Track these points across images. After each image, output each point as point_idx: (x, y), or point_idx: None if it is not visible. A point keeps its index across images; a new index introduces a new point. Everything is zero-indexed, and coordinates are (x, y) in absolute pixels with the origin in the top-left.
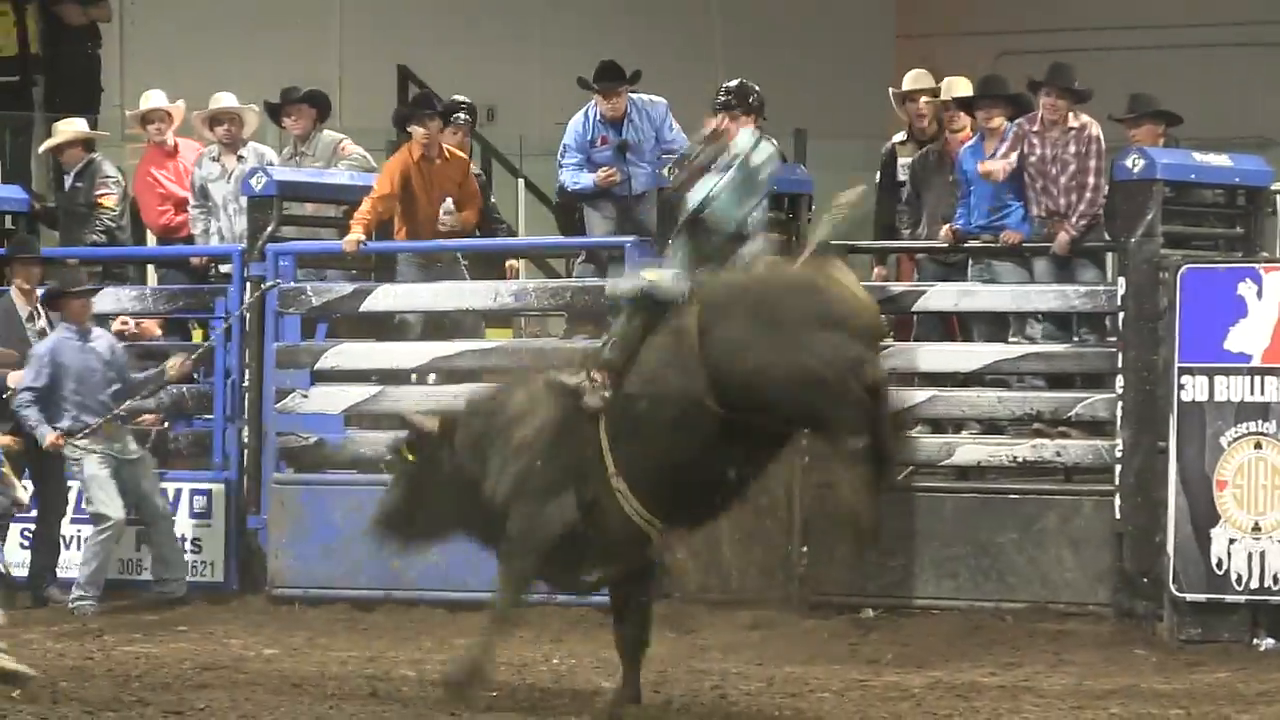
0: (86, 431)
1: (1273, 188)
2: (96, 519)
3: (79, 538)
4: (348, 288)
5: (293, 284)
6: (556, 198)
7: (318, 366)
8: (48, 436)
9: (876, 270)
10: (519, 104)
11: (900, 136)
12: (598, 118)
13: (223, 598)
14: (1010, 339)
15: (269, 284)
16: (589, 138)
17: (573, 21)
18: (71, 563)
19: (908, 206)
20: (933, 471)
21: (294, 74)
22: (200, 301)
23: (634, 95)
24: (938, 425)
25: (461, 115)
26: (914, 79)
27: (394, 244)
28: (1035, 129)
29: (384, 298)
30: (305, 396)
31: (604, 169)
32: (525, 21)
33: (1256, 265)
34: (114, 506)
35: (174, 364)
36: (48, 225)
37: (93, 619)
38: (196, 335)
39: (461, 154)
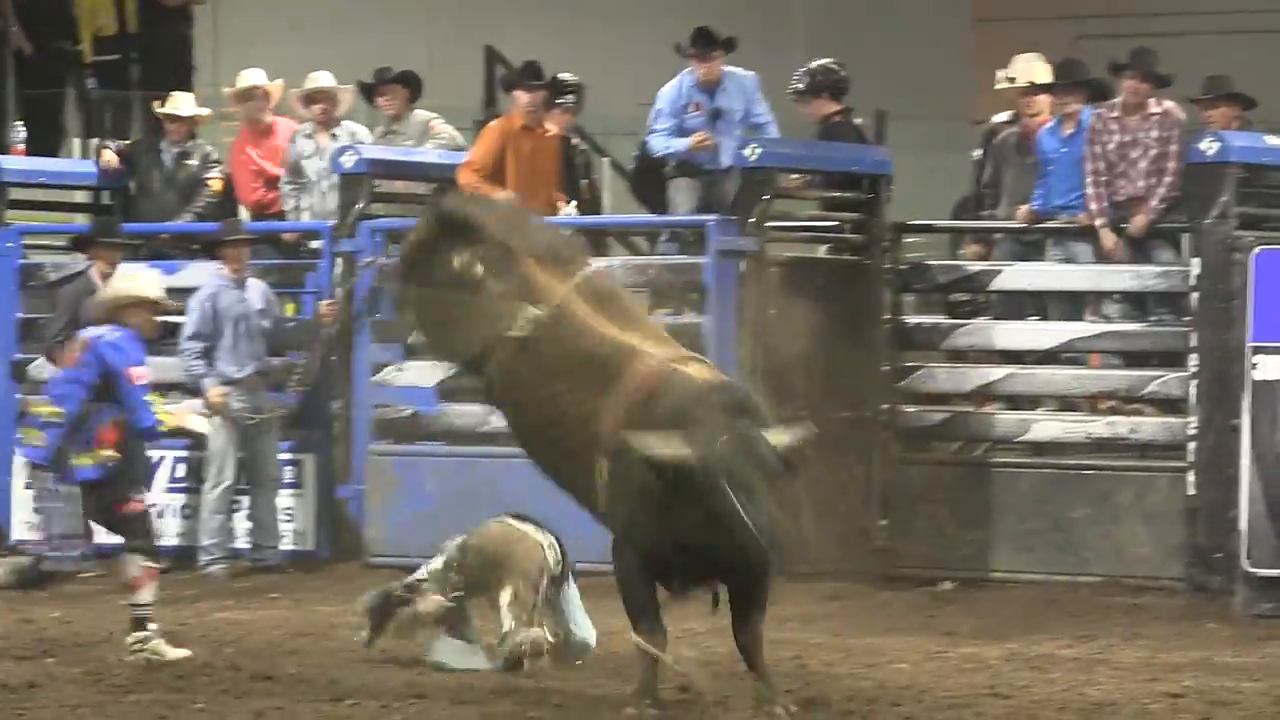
0: (236, 382)
1: None
2: (212, 476)
3: (172, 506)
4: None
5: (390, 260)
6: (634, 167)
7: (412, 341)
8: (211, 391)
9: (973, 249)
10: (604, 84)
11: (1004, 116)
12: (691, 84)
13: (314, 565)
14: (1086, 318)
15: (368, 260)
16: (682, 103)
17: (657, 1)
18: (167, 531)
19: (988, 188)
20: (1009, 447)
21: (382, 54)
22: (291, 276)
23: (726, 67)
24: (1015, 402)
25: (569, 96)
26: (1024, 70)
27: None
28: (1114, 115)
29: None
30: (400, 370)
31: (698, 134)
32: (610, 2)
33: None
34: (231, 467)
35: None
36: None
37: (188, 583)
38: (288, 309)
39: (557, 132)
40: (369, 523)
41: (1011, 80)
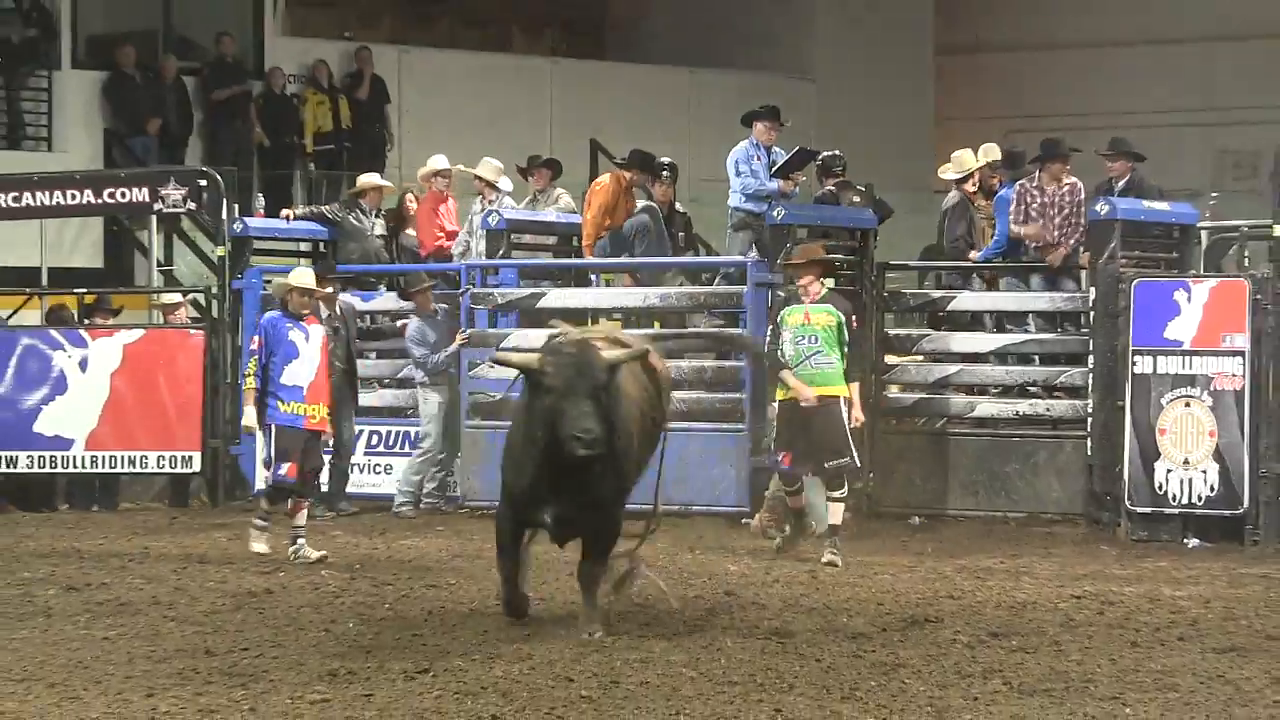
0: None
1: (1198, 226)
2: (422, 441)
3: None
4: (525, 291)
5: (481, 288)
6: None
7: (501, 345)
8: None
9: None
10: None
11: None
12: (754, 144)
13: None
14: (1015, 329)
15: (463, 289)
16: (750, 154)
17: (712, 105)
18: (364, 483)
19: (957, 240)
20: (960, 422)
21: (519, 143)
22: (457, 300)
23: None
24: (964, 389)
25: (666, 172)
26: (985, 152)
27: (579, 261)
28: (1036, 185)
29: (554, 299)
30: (491, 366)
31: (787, 182)
32: (676, 110)
33: (1187, 279)
34: (435, 437)
35: (462, 338)
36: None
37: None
38: None
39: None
40: (464, 478)
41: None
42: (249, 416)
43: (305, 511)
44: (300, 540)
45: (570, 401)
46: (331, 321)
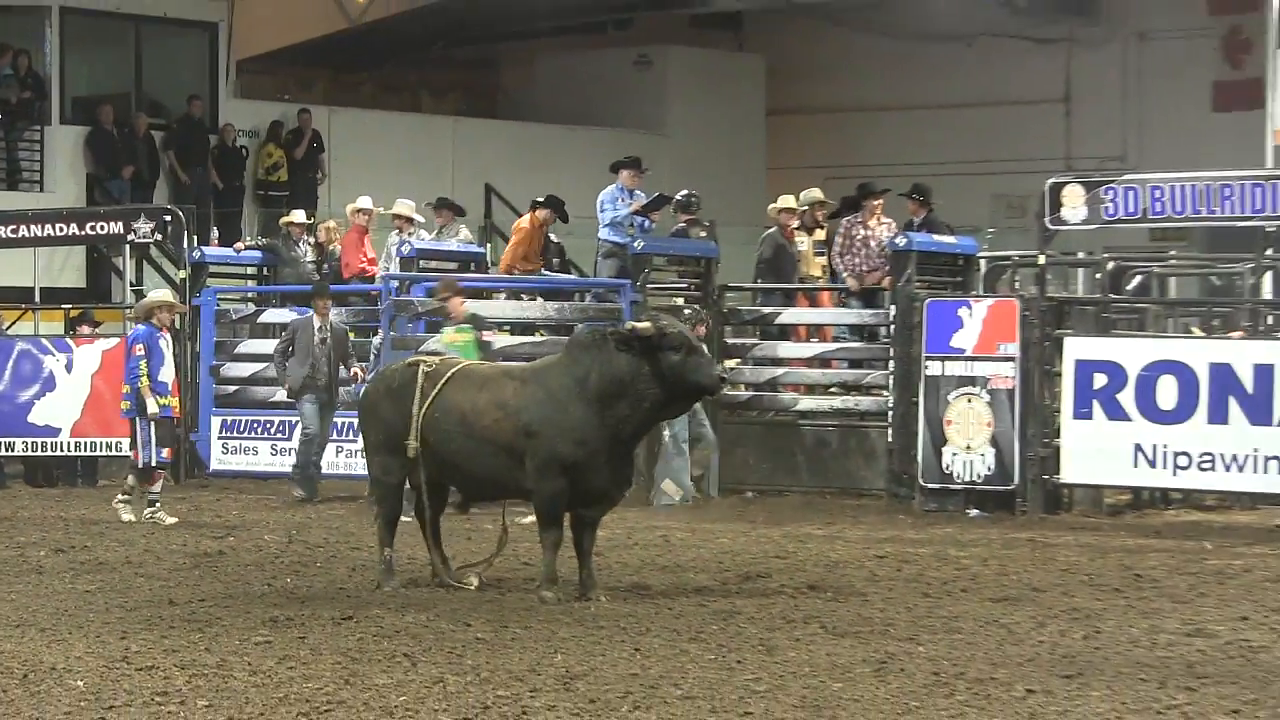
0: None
1: (978, 255)
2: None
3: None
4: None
5: (402, 298)
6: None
7: (420, 348)
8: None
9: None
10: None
11: (795, 224)
12: (621, 188)
13: None
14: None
15: (385, 301)
16: (616, 196)
17: (585, 156)
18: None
19: (763, 265)
20: (786, 414)
21: (426, 186)
22: (373, 315)
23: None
24: (790, 387)
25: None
26: (807, 195)
27: (491, 278)
28: (861, 221)
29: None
30: None
31: (633, 203)
32: (555, 159)
33: (969, 299)
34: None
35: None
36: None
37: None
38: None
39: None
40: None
41: (796, 200)
42: (152, 405)
43: (161, 481)
44: (157, 504)
45: (700, 354)
46: (321, 333)
